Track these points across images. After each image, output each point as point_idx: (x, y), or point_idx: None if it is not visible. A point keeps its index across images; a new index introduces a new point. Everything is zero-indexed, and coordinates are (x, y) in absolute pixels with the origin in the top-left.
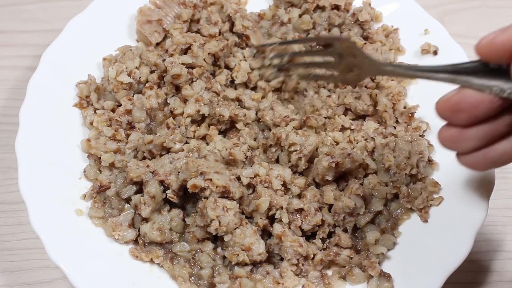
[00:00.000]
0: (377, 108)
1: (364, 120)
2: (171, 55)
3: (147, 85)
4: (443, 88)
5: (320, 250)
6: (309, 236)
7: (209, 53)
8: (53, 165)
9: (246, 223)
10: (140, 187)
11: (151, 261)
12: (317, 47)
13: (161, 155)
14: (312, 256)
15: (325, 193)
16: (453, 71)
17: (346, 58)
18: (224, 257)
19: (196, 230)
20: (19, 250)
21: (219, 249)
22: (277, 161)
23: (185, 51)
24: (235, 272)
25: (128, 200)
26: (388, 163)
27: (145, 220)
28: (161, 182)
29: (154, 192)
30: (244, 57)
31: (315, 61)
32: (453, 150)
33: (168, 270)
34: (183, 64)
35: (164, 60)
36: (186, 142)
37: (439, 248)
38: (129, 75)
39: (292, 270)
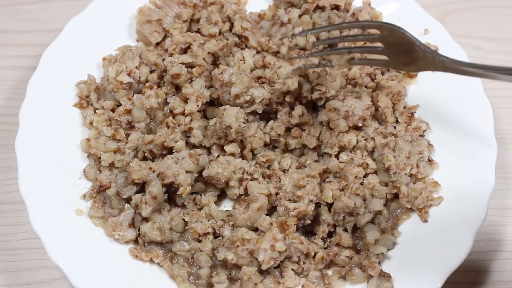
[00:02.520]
0: (377, 108)
1: None
2: (171, 55)
3: (147, 84)
4: (444, 88)
5: (321, 249)
6: (310, 236)
7: (208, 52)
8: (53, 165)
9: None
10: (141, 187)
11: (151, 260)
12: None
13: (162, 154)
14: (313, 254)
15: (325, 191)
16: None
17: (395, 46)
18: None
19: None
20: (19, 250)
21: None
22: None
23: (184, 51)
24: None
25: (128, 200)
26: (388, 163)
27: (145, 219)
28: (171, 184)
29: (156, 193)
30: (243, 57)
31: (358, 45)
32: None
33: (167, 269)
34: (182, 63)
35: (163, 59)
36: (187, 142)
37: (439, 248)
38: (129, 74)
39: (293, 269)
